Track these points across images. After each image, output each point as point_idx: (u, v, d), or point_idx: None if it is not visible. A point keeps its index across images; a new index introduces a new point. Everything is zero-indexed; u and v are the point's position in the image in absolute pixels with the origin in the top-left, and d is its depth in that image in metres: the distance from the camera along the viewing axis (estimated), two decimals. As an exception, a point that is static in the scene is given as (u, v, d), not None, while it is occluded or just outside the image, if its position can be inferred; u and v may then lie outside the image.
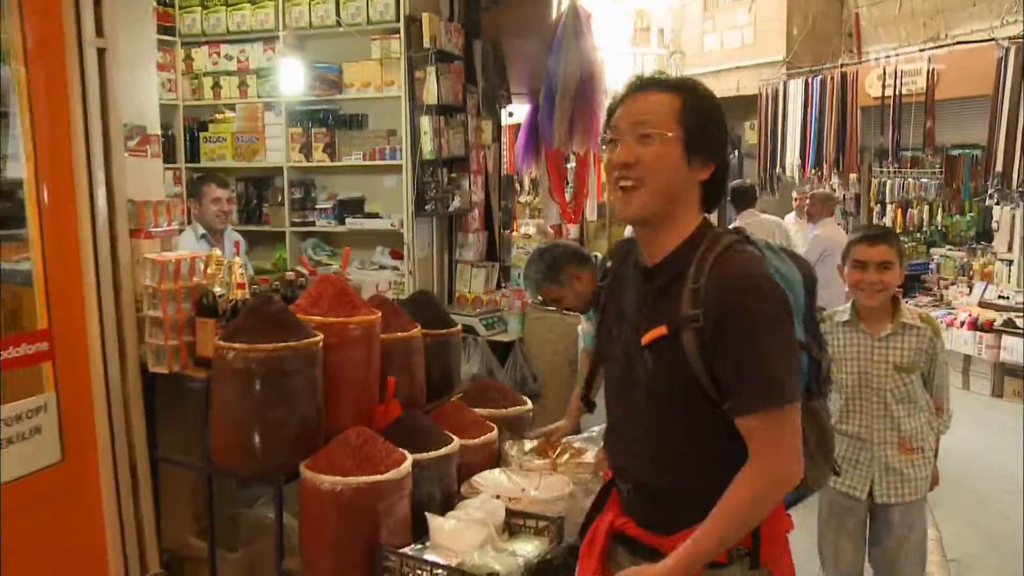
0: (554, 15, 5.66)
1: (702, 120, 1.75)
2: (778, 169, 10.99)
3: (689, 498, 1.77)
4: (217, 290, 3.08)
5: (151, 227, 3.13)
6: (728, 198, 9.87)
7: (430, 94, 4.89)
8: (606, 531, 1.95)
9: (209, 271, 3.12)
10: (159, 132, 3.36)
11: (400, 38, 5.02)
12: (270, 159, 5.50)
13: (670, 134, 1.71)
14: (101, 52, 2.92)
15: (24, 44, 2.79)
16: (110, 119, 2.97)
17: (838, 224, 8.58)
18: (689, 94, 1.75)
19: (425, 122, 4.91)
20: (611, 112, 1.84)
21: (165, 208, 3.22)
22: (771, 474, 1.71)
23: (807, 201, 8.24)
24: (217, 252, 3.25)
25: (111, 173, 2.99)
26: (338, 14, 5.10)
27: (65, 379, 2.97)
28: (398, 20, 5.01)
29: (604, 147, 1.86)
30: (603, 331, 2.03)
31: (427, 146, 4.92)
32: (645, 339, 1.76)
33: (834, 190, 10.35)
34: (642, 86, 1.80)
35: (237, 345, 2.78)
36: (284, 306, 2.94)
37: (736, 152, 13.93)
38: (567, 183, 6.69)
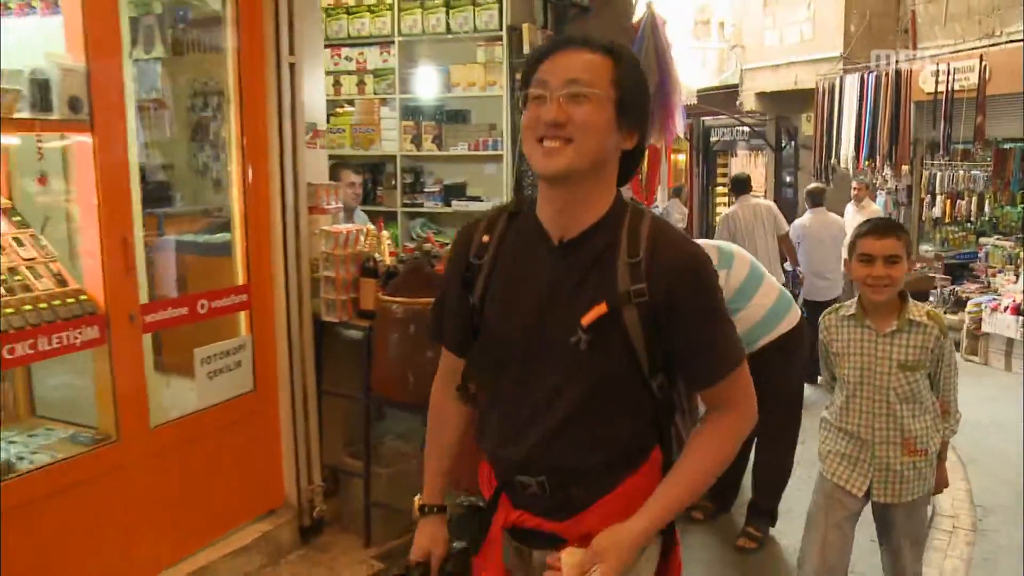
0: (633, 20, 6.31)
1: (633, 86, 1.70)
2: (833, 160, 11.50)
3: (606, 476, 1.76)
4: (377, 256, 3.85)
5: (324, 204, 3.89)
6: (729, 187, 10.49)
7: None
8: (500, 531, 1.87)
9: (369, 241, 3.89)
10: (326, 127, 4.12)
11: (503, 44, 5.78)
12: (385, 148, 6.29)
13: (603, 94, 1.64)
14: (292, 66, 3.69)
15: (237, 58, 3.57)
16: (297, 119, 3.73)
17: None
18: (621, 57, 1.70)
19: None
20: (533, 65, 1.71)
21: (333, 190, 3.99)
22: (749, 416, 1.78)
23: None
24: (372, 226, 4.03)
25: (296, 162, 3.76)
26: (448, 23, 5.84)
27: (258, 325, 3.78)
28: (501, 29, 5.77)
29: (524, 100, 1.70)
30: (488, 314, 1.81)
31: (525, 138, 5.66)
32: (586, 319, 1.65)
33: (886, 181, 10.91)
34: (571, 43, 1.70)
35: (400, 299, 3.58)
36: (432, 269, 3.71)
37: (792, 142, 14.44)
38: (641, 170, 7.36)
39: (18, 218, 3.15)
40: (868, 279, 2.92)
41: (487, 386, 1.88)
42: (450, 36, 5.88)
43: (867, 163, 10.80)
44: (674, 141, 7.84)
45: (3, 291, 2.85)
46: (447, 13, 5.83)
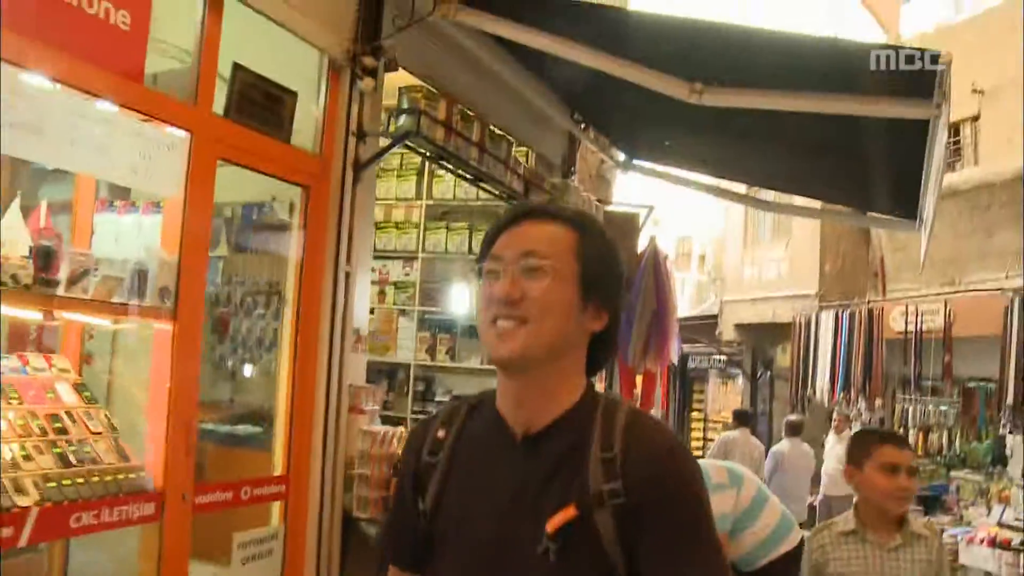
0: (638, 251, 6.82)
1: (601, 259, 1.52)
2: (808, 390, 11.97)
3: None
4: (407, 456, 4.07)
5: (363, 405, 4.14)
6: (733, 416, 11.02)
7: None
8: None
9: (398, 442, 4.11)
10: (367, 333, 4.43)
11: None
12: (399, 356, 6.61)
13: (564, 268, 1.48)
14: (347, 275, 4.04)
15: (300, 263, 3.93)
16: (347, 324, 4.05)
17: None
18: (586, 229, 1.54)
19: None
20: (490, 239, 1.56)
21: (372, 392, 4.25)
22: None
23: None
24: (402, 429, 4.26)
25: (342, 364, 4.04)
26: (471, 243, 6.32)
27: (292, 515, 3.92)
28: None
29: (480, 278, 1.55)
30: (442, 523, 1.57)
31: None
32: (551, 525, 1.41)
33: (860, 413, 11.32)
34: (530, 213, 1.56)
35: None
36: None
37: (768, 372, 14.98)
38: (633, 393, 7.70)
39: (87, 393, 3.37)
40: (897, 491, 2.78)
41: None
42: (471, 255, 6.34)
43: (842, 395, 11.26)
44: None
45: (74, 460, 3.03)
46: (470, 234, 6.32)
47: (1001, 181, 10.13)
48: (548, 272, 1.46)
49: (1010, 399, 9.03)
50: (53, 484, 2.89)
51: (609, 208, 6.89)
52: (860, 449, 2.91)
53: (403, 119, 4.08)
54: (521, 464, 1.49)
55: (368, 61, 3.99)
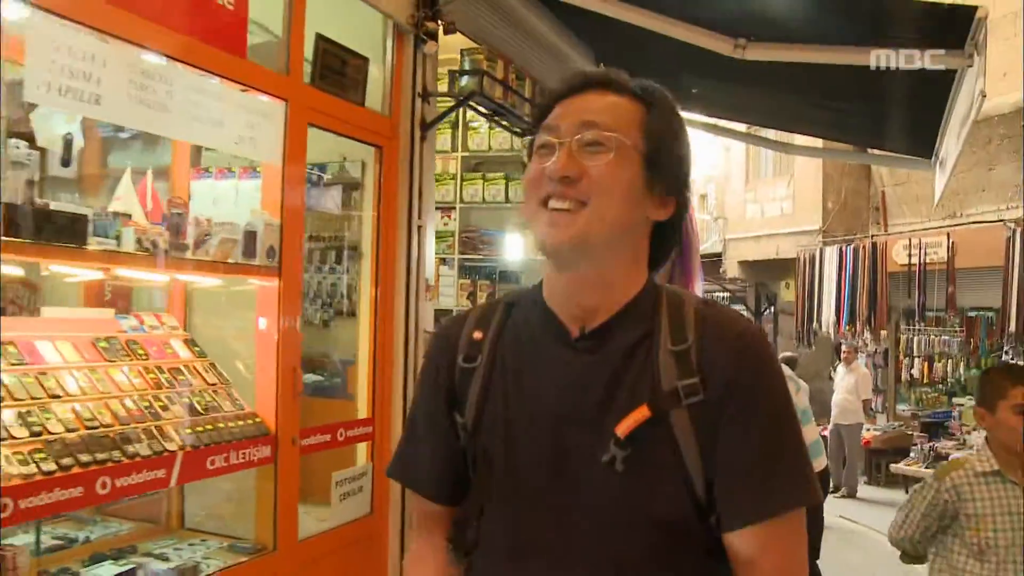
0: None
1: (670, 138, 1.35)
2: (815, 324, 12.37)
3: None
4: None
5: (435, 349, 4.44)
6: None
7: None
8: None
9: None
10: (434, 282, 4.71)
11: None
12: (442, 303, 6.89)
13: (630, 145, 1.30)
14: (420, 228, 4.32)
15: (376, 220, 4.20)
16: (420, 274, 4.34)
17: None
18: (656, 104, 1.36)
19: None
20: (543, 109, 1.38)
21: (441, 336, 4.55)
22: None
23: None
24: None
25: (417, 312, 4.33)
26: (507, 193, 6.58)
27: (378, 453, 4.24)
28: (553, 201, 6.45)
29: (529, 155, 1.38)
30: (487, 438, 1.38)
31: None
32: (621, 429, 1.24)
33: (866, 344, 11.73)
34: (592, 82, 1.37)
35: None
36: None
37: (772, 307, 15.37)
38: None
39: (197, 348, 3.66)
40: None
41: (496, 536, 1.36)
42: (508, 204, 6.61)
43: (848, 328, 11.65)
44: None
45: (201, 409, 3.33)
46: (506, 184, 6.57)
47: (999, 115, 10.37)
48: (612, 148, 1.28)
49: (1012, 327, 9.42)
50: (189, 431, 3.19)
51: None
52: (992, 391, 2.75)
53: (466, 80, 4.33)
54: (579, 363, 1.31)
55: (430, 25, 4.22)
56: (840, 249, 12.06)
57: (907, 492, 10.48)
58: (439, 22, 4.27)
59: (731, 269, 15.09)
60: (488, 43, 4.77)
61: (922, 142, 5.92)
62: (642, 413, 1.24)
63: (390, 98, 4.21)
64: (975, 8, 3.43)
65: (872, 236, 12.15)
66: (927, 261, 11.06)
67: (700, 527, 1.26)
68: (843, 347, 11.25)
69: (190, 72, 3.02)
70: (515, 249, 6.71)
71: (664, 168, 1.32)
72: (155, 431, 3.04)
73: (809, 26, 4.13)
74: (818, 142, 8.64)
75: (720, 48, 4.19)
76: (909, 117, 5.64)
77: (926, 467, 10.46)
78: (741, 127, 8.57)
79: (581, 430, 1.29)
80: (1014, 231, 9.57)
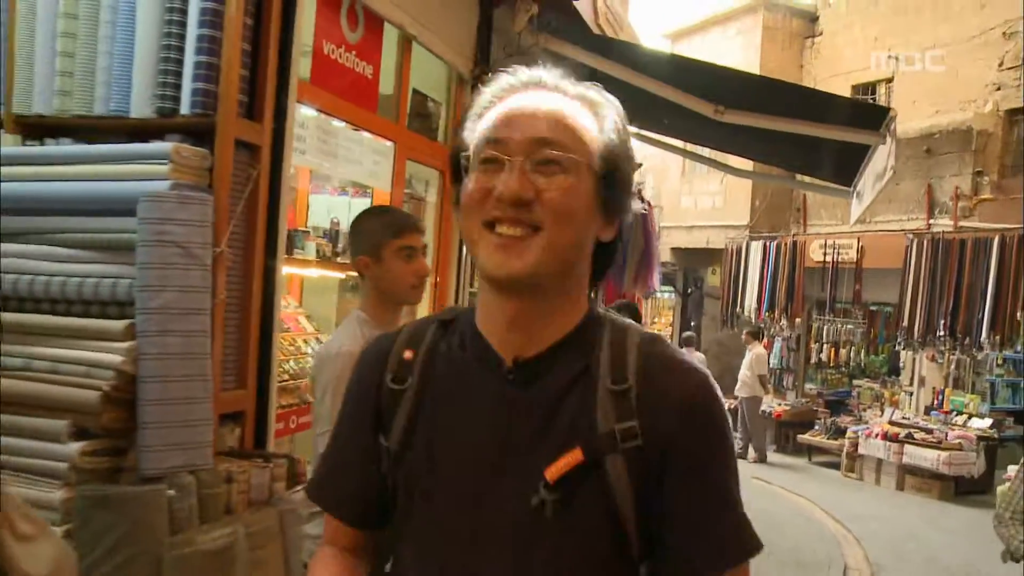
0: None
1: (623, 156, 1.23)
2: (738, 309, 13.98)
3: None
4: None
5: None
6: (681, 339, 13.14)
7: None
8: None
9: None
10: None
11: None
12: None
13: (586, 163, 1.17)
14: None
15: (439, 228, 5.45)
16: (468, 269, 5.61)
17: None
18: (603, 111, 1.24)
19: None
20: (477, 114, 1.24)
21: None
22: None
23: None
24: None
25: (467, 300, 5.60)
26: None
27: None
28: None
29: (468, 167, 1.20)
30: (413, 466, 1.26)
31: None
32: (551, 473, 1.14)
33: (782, 329, 13.40)
34: (536, 84, 1.24)
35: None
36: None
37: (698, 290, 16.99)
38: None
39: (315, 324, 4.88)
40: None
41: (419, 564, 1.26)
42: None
43: (767, 314, 13.28)
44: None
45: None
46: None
47: (907, 138, 11.99)
48: (570, 169, 1.16)
49: (905, 321, 11.14)
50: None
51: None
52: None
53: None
54: (510, 397, 1.21)
55: (485, 77, 5.46)
56: (764, 244, 13.67)
57: (810, 460, 12.24)
58: (490, 73, 5.51)
59: (663, 254, 16.56)
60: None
61: (844, 175, 7.37)
62: (575, 457, 1.14)
63: (451, 132, 5.45)
64: (889, 108, 4.86)
65: (793, 234, 13.82)
66: (839, 260, 12.75)
67: (618, 564, 1.20)
68: (743, 333, 13.01)
69: (347, 127, 4.24)
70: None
71: (616, 188, 1.21)
72: (302, 387, 4.27)
73: (770, 103, 5.51)
74: (750, 164, 10.05)
75: (703, 110, 5.54)
76: (836, 155, 7.08)
77: (828, 438, 12.22)
78: (678, 143, 9.76)
79: (508, 468, 1.18)
80: (912, 240, 11.26)
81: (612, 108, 1.26)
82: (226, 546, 2.59)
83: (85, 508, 2.42)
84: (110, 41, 2.97)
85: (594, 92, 1.27)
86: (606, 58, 5.56)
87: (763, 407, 12.98)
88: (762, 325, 13.39)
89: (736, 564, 1.19)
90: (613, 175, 1.21)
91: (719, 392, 1.23)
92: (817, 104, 5.31)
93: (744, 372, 12.61)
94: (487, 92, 1.27)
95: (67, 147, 2.94)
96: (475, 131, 1.23)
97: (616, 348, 1.22)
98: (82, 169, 2.84)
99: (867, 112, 4.92)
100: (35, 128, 3.11)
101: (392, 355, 1.32)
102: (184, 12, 2.87)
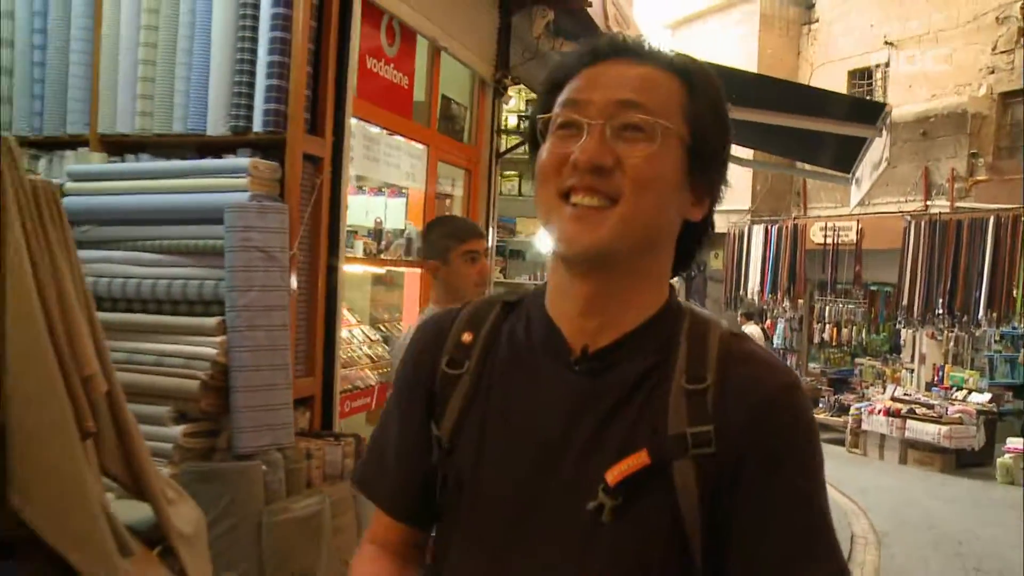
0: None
1: (715, 126, 1.11)
2: (741, 291, 14.33)
3: None
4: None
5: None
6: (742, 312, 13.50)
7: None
8: None
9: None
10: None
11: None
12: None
13: (673, 132, 1.06)
14: (495, 226, 5.93)
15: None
16: (493, 257, 5.96)
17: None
18: (698, 81, 1.11)
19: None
20: (559, 79, 1.12)
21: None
22: None
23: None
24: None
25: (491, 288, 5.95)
26: (520, 187, 8.19)
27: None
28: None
29: (538, 132, 1.12)
30: (463, 458, 1.16)
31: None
32: (613, 475, 1.03)
33: (785, 310, 13.76)
34: (622, 49, 1.10)
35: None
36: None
37: (702, 274, 17.33)
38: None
39: (356, 316, 5.24)
40: None
41: (463, 558, 1.16)
42: (520, 197, 8.24)
43: (770, 296, 13.64)
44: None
45: (374, 356, 4.93)
46: (519, 180, 8.19)
47: (903, 122, 12.34)
48: (655, 134, 1.04)
49: (905, 301, 11.50)
50: (376, 371, 4.80)
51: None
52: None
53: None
54: (576, 388, 1.10)
55: (506, 81, 5.81)
56: (766, 227, 14.00)
57: (814, 435, 12.58)
58: (510, 78, 5.86)
59: (669, 240, 16.94)
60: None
61: (843, 162, 7.72)
62: (639, 459, 1.04)
63: (475, 133, 5.80)
64: (884, 103, 5.21)
65: (794, 218, 14.14)
66: (839, 242, 13.08)
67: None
68: (739, 313, 13.43)
69: (386, 134, 4.58)
70: (524, 235, 8.37)
71: (707, 161, 1.10)
72: (359, 375, 4.64)
73: (772, 99, 5.86)
74: (749, 152, 10.39)
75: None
76: (835, 144, 7.44)
77: (832, 416, 12.60)
78: None
79: (566, 464, 1.08)
80: (910, 222, 11.60)
81: (707, 77, 1.13)
82: (315, 513, 2.96)
83: (192, 482, 2.77)
84: (187, 67, 3.33)
85: (688, 60, 1.14)
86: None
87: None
88: (765, 307, 13.76)
89: None
90: (705, 147, 1.09)
91: (807, 395, 1.11)
92: (817, 100, 5.66)
93: None
94: (572, 56, 1.12)
95: (156, 163, 3.29)
96: (553, 96, 1.12)
97: (695, 342, 1.10)
98: (169, 183, 3.19)
99: (864, 107, 5.28)
100: (116, 145, 3.47)
101: (451, 336, 1.21)
102: (255, 40, 3.22)
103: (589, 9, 5.67)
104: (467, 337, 1.20)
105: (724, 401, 1.06)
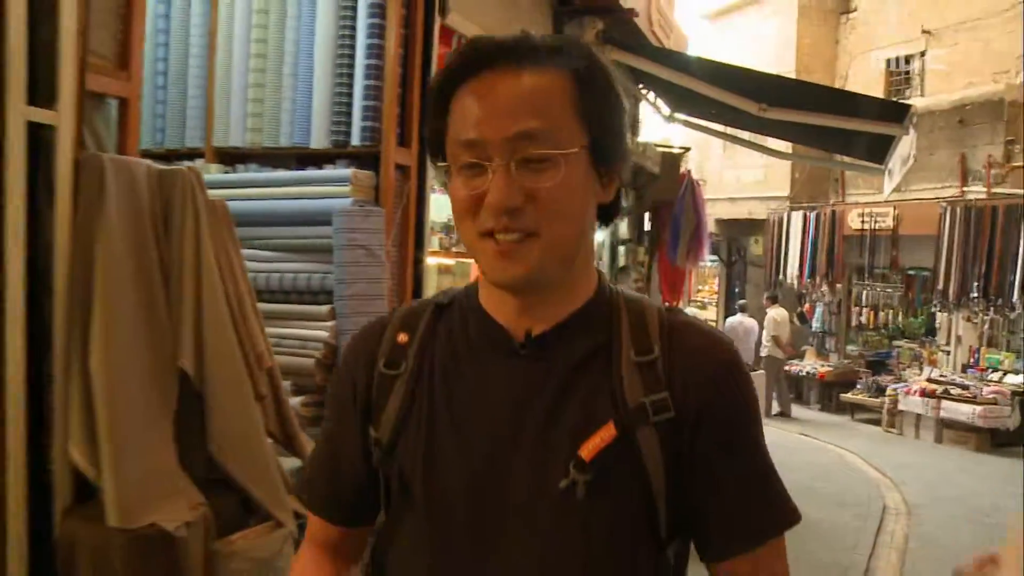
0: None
1: (611, 114, 1.10)
2: (780, 276, 14.71)
3: None
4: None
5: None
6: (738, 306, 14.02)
7: (621, 231, 8.52)
8: None
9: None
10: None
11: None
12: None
13: (575, 149, 1.06)
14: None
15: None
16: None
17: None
18: (586, 73, 1.08)
19: (620, 252, 8.53)
20: (443, 97, 1.09)
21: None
22: None
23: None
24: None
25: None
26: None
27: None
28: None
29: (443, 168, 1.12)
30: (406, 456, 1.16)
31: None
32: (587, 450, 1.06)
33: (823, 295, 14.13)
34: (501, 57, 1.06)
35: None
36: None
37: (742, 260, 17.70)
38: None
39: (424, 302, 5.76)
40: None
41: (418, 552, 1.16)
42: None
43: (808, 280, 14.01)
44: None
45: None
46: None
47: (940, 110, 12.61)
48: (559, 162, 1.03)
49: (940, 285, 11.84)
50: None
51: (661, 148, 9.27)
52: None
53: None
54: (522, 373, 1.13)
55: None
56: (804, 214, 14.36)
57: (852, 417, 12.97)
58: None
59: (708, 225, 17.30)
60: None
61: (877, 154, 8.10)
62: (608, 432, 1.06)
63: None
64: (911, 105, 5.64)
65: (832, 204, 14.48)
66: (876, 228, 13.41)
67: (646, 545, 1.12)
68: (764, 297, 14.01)
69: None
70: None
71: (610, 151, 1.10)
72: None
73: (807, 101, 6.30)
74: (788, 145, 10.73)
75: (748, 108, 6.33)
76: (868, 138, 7.83)
77: (869, 396, 12.98)
78: (719, 127, 10.04)
79: (524, 451, 1.10)
80: (946, 207, 11.91)
81: (590, 59, 1.10)
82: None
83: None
84: (292, 89, 3.86)
85: (565, 44, 1.10)
86: (663, 65, 6.36)
87: (808, 368, 13.88)
88: (803, 291, 14.17)
89: (776, 536, 1.15)
90: (606, 139, 1.09)
91: (741, 357, 1.18)
92: (848, 102, 6.09)
93: (763, 334, 13.48)
94: (453, 63, 1.10)
95: (271, 173, 3.82)
96: (444, 114, 1.09)
97: (635, 318, 1.15)
98: (280, 190, 3.72)
99: (892, 108, 5.71)
100: (228, 157, 4.02)
101: (384, 340, 1.22)
102: (352, 67, 3.74)
103: (636, 19, 6.13)
104: (403, 338, 1.21)
105: (675, 370, 1.11)
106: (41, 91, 2.08)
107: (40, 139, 2.09)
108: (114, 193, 2.19)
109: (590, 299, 1.17)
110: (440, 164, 1.13)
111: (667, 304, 1.24)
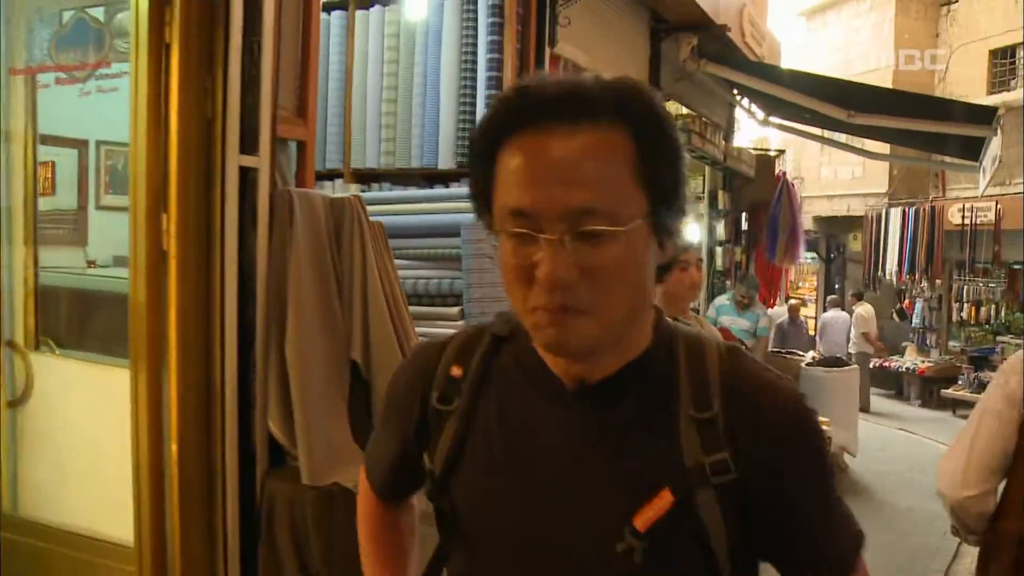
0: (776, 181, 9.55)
1: (669, 169, 1.02)
2: (879, 272, 14.74)
3: None
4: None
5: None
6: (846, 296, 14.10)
7: (718, 233, 8.87)
8: None
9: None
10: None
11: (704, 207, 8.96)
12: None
13: (636, 221, 0.98)
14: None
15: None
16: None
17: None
18: (643, 122, 0.99)
19: (718, 253, 8.91)
20: (487, 155, 1.02)
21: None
22: None
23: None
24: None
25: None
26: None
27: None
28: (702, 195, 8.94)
29: (494, 234, 1.04)
30: (462, 495, 1.15)
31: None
32: (642, 522, 1.02)
33: (923, 290, 14.12)
34: (560, 108, 0.98)
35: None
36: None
37: (841, 256, 17.71)
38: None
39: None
40: None
41: None
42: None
43: (908, 276, 14.03)
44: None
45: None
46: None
47: (1045, 101, 12.48)
48: (619, 237, 0.96)
49: (1045, 279, 11.78)
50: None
51: (757, 152, 9.59)
52: None
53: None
54: (579, 424, 1.08)
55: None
56: (903, 210, 14.35)
57: (954, 413, 12.92)
58: (663, 96, 6.78)
59: (806, 223, 17.20)
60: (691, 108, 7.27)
61: (972, 152, 8.27)
62: (664, 501, 1.02)
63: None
64: (997, 107, 5.89)
65: (931, 200, 14.43)
66: (978, 222, 13.34)
67: None
68: (850, 294, 14.09)
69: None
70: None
71: (671, 215, 1.03)
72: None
73: (896, 107, 6.58)
74: (886, 146, 10.85)
75: (836, 115, 6.65)
76: (962, 138, 8.02)
77: (971, 393, 12.94)
78: (814, 130, 10.17)
79: (578, 503, 1.06)
80: (1051, 201, 11.84)
81: (647, 108, 1.01)
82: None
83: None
84: (421, 116, 4.40)
85: (625, 97, 1.00)
86: (754, 76, 6.73)
87: (908, 364, 13.92)
88: (903, 287, 14.18)
89: (854, 560, 1.12)
90: (665, 200, 1.01)
91: (810, 408, 1.09)
92: (936, 107, 6.36)
93: (852, 331, 13.47)
94: (498, 116, 1.03)
95: (407, 191, 4.36)
96: (491, 168, 1.02)
97: (695, 368, 1.08)
98: (415, 206, 4.25)
99: (979, 112, 5.97)
100: (363, 177, 4.58)
101: (439, 371, 1.18)
102: (474, 94, 4.25)
103: (729, 33, 6.51)
104: (456, 371, 1.16)
105: (736, 427, 1.04)
106: (248, 141, 2.64)
107: (246, 179, 2.66)
108: (300, 220, 2.75)
109: (646, 349, 1.10)
110: (489, 230, 1.05)
111: (727, 344, 1.14)
